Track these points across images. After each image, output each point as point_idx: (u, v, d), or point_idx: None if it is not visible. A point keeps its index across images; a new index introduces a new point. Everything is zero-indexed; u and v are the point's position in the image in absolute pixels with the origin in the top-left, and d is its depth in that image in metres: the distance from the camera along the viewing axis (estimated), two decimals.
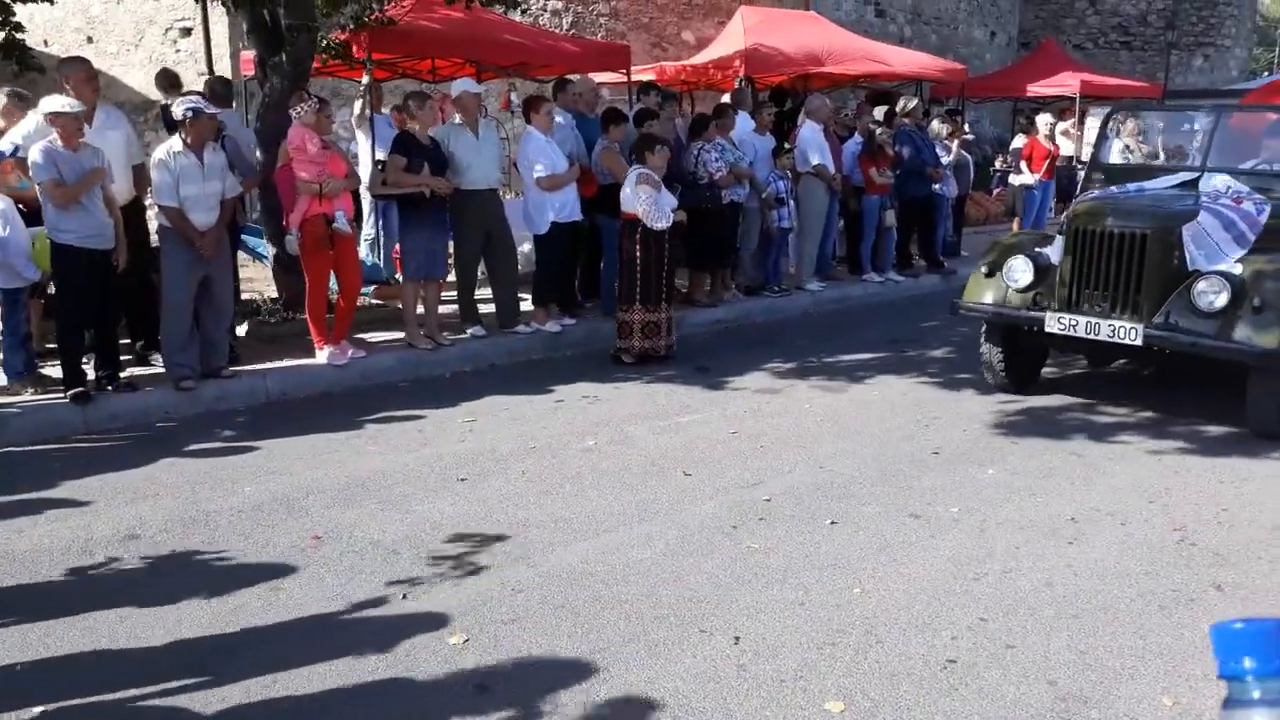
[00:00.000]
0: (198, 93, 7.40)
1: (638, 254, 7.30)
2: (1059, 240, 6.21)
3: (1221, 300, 5.55)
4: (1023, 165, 13.02)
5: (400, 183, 7.29)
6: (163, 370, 6.51)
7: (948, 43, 20.68)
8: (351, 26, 8.17)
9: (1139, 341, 5.71)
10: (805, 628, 3.55)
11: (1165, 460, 5.42)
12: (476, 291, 8.18)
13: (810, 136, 9.87)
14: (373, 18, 8.19)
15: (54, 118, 5.80)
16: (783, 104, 11.77)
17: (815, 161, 9.78)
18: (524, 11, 10.79)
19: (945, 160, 11.31)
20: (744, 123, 9.62)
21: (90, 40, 14.36)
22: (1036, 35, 23.80)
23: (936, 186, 10.97)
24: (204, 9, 7.91)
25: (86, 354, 6.25)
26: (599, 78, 10.65)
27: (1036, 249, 6.40)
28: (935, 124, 11.82)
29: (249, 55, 9.42)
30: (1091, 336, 5.90)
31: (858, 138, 10.43)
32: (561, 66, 9.76)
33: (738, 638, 3.47)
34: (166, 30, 13.83)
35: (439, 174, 7.35)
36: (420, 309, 7.61)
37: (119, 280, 6.23)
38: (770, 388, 6.92)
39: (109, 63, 13.62)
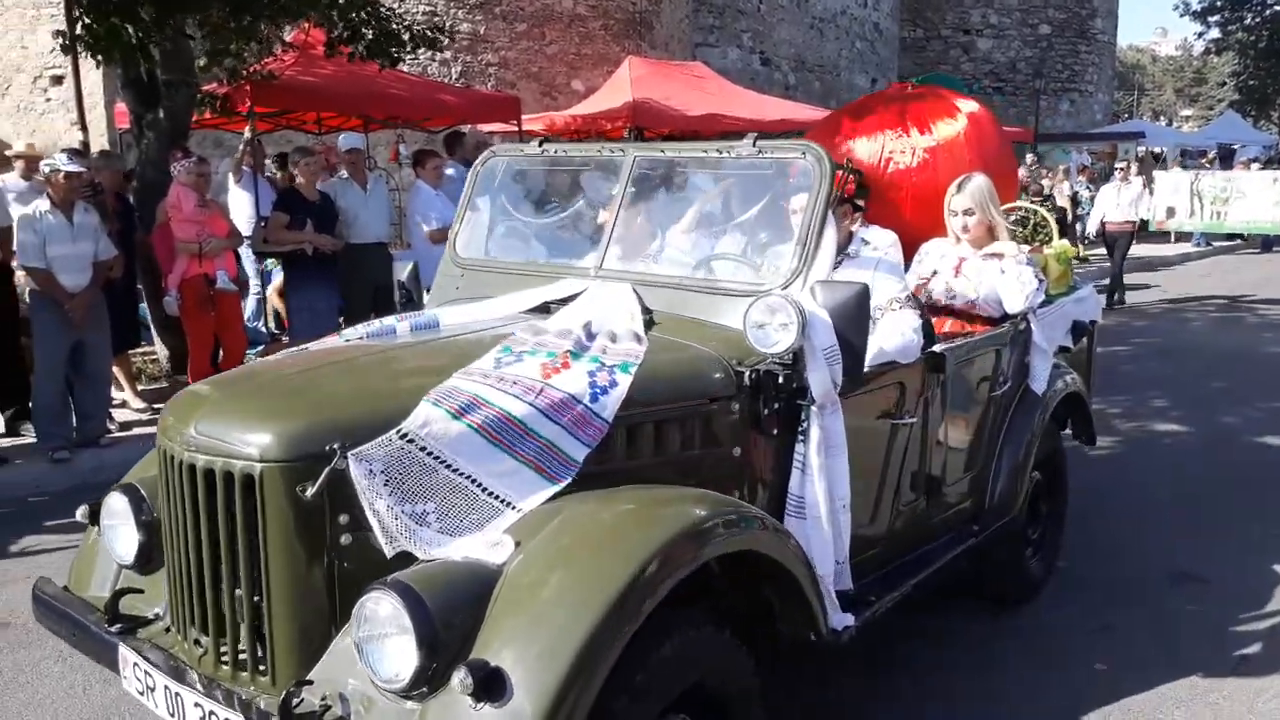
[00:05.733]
0: (76, 150, 7.07)
1: None
2: None
3: (402, 663, 2.01)
4: None
5: (281, 240, 7.16)
6: (34, 441, 6.21)
7: (831, 89, 21.39)
8: (230, 81, 7.99)
9: None
10: None
11: None
12: None
13: None
14: (250, 69, 8.03)
15: None
16: None
17: None
18: (412, 62, 10.74)
19: None
20: None
21: None
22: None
23: None
24: (74, 59, 7.62)
25: None
26: (489, 128, 10.67)
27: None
28: None
29: (124, 107, 9.14)
30: None
31: None
32: (450, 118, 9.73)
33: None
34: (36, 78, 13.33)
35: (326, 230, 7.23)
36: None
37: None
38: None
39: None
